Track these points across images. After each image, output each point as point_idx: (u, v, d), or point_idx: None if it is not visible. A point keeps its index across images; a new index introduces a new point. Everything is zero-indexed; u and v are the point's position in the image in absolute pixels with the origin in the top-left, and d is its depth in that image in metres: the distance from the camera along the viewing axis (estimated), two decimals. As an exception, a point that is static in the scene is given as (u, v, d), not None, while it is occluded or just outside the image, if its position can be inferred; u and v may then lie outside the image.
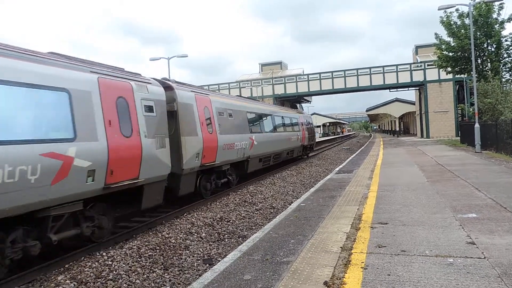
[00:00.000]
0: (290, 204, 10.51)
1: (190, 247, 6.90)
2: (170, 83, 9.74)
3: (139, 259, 6.19)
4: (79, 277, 5.50)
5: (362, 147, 33.45)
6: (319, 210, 7.45)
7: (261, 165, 15.65)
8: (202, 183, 10.75)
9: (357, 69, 44.93)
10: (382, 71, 43.67)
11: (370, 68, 44.32)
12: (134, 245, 6.80)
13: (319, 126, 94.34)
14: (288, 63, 60.76)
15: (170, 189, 9.40)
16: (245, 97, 17.86)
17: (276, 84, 47.66)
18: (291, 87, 47.22)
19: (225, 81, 49.45)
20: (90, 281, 5.40)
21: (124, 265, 5.93)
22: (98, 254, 6.49)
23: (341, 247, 5.01)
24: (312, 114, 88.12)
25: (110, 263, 6.03)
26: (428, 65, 40.21)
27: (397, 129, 65.10)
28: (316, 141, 50.62)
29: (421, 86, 42.82)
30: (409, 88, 46.70)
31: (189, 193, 10.10)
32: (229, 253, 6.58)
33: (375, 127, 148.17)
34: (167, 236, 7.40)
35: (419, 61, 42.68)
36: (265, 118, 16.83)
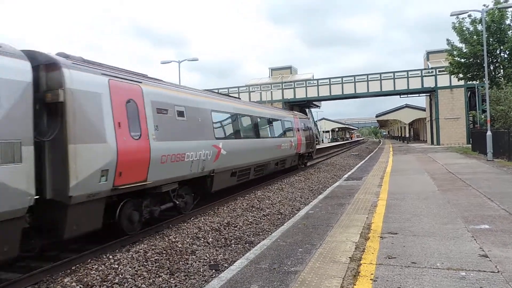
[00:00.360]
0: (297, 210, 10.44)
1: (197, 252, 6.86)
2: (55, 58, 6.32)
3: (146, 263, 6.16)
4: (85, 279, 5.49)
5: (371, 153, 33.18)
6: (327, 218, 7.36)
7: (235, 180, 12.20)
8: (126, 212, 7.44)
9: (367, 75, 44.69)
10: (392, 77, 43.38)
11: (380, 73, 44.07)
12: (141, 249, 6.78)
13: (328, 131, 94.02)
14: (298, 67, 60.68)
15: (52, 228, 6.28)
16: (212, 92, 13.11)
17: (286, 88, 47.64)
18: (300, 92, 47.16)
19: (234, 85, 49.63)
20: (96, 284, 5.38)
21: (130, 269, 5.91)
22: (104, 257, 6.48)
23: (350, 257, 4.92)
24: (321, 119, 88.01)
25: (117, 266, 6.01)
26: (439, 71, 39.85)
27: (407, 135, 64.52)
28: (325, 146, 50.43)
29: (432, 92, 42.42)
30: (420, 94, 46.32)
31: (92, 231, 6.76)
32: (236, 259, 6.55)
33: (384, 133, 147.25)
34: (174, 240, 7.37)
35: (430, 67, 42.30)
36: (241, 119, 13.08)
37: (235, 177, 12.08)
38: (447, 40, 25.77)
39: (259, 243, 7.37)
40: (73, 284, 5.34)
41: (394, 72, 43.55)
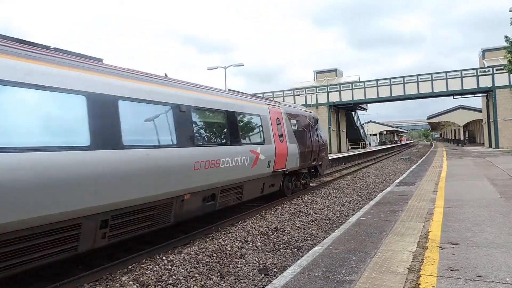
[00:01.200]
0: (346, 216, 10.21)
1: (246, 255, 6.89)
2: None
3: (197, 265, 6.29)
4: (141, 279, 5.69)
5: (423, 157, 31.70)
6: (380, 226, 7.09)
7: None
8: None
9: (417, 75, 42.83)
10: (445, 77, 41.21)
11: (431, 74, 42.03)
12: (192, 251, 6.93)
13: (375, 134, 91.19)
14: (344, 70, 59.42)
15: None
16: None
17: (331, 91, 46.84)
18: (346, 95, 46.15)
19: (279, 89, 49.54)
20: (151, 284, 5.56)
21: (182, 270, 6.05)
22: (158, 257, 6.69)
23: (407, 268, 4.69)
24: (367, 122, 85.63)
25: (170, 267, 6.18)
26: (497, 70, 37.35)
27: (462, 138, 60.93)
28: (373, 149, 48.72)
29: (489, 92, 39.82)
30: (475, 95, 43.61)
31: None
32: (285, 264, 6.51)
33: (436, 136, 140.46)
34: (223, 243, 7.46)
35: (486, 65, 39.76)
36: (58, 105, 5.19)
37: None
38: (506, 37, 24.11)
39: (307, 248, 7.29)
40: (130, 282, 5.56)
41: (446, 72, 41.35)
